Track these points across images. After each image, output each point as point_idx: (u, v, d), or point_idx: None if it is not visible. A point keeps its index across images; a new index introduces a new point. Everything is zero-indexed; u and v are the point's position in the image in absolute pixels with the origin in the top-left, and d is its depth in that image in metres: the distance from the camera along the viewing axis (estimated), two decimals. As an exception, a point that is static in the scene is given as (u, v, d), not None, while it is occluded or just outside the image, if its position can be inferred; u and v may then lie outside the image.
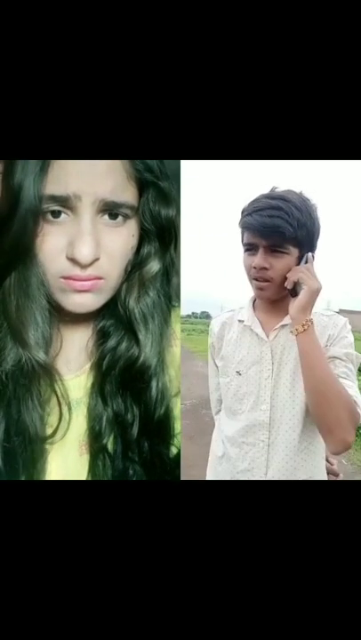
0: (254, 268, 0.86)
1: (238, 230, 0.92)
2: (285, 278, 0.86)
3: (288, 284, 0.86)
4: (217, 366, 1.04)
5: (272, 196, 0.87)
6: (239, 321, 1.00)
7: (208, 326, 1.11)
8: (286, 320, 0.91)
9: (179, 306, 0.77)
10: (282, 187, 0.91)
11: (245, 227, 0.87)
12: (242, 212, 0.90)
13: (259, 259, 0.85)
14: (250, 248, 0.88)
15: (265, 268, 0.86)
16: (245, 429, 0.92)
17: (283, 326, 0.92)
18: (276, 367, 0.91)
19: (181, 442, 0.78)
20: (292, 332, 0.85)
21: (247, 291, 1.00)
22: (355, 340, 0.94)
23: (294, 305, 0.84)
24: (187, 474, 0.81)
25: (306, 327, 0.82)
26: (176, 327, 0.77)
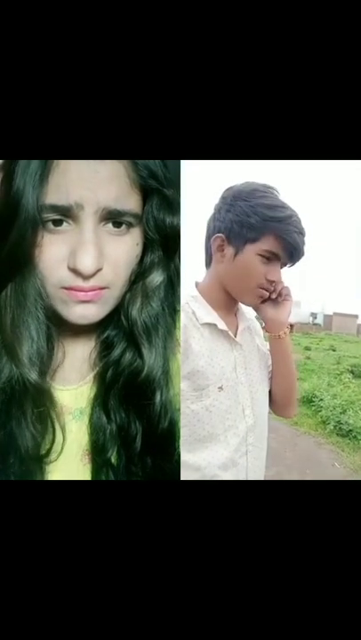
0: (269, 280, 0.83)
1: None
2: None
3: (278, 295, 0.88)
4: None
5: (298, 217, 0.82)
6: (203, 324, 0.84)
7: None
8: (246, 322, 0.94)
9: (180, 311, 0.75)
10: (280, 186, 0.88)
11: (283, 235, 0.80)
12: (270, 208, 0.80)
13: (279, 274, 0.85)
14: (269, 257, 0.82)
15: (276, 282, 0.85)
16: (238, 446, 0.84)
17: (245, 328, 0.93)
18: (246, 370, 0.90)
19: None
20: (279, 335, 0.90)
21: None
22: (346, 341, 0.98)
23: (285, 312, 0.89)
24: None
25: (288, 330, 0.90)
26: (178, 333, 0.74)
